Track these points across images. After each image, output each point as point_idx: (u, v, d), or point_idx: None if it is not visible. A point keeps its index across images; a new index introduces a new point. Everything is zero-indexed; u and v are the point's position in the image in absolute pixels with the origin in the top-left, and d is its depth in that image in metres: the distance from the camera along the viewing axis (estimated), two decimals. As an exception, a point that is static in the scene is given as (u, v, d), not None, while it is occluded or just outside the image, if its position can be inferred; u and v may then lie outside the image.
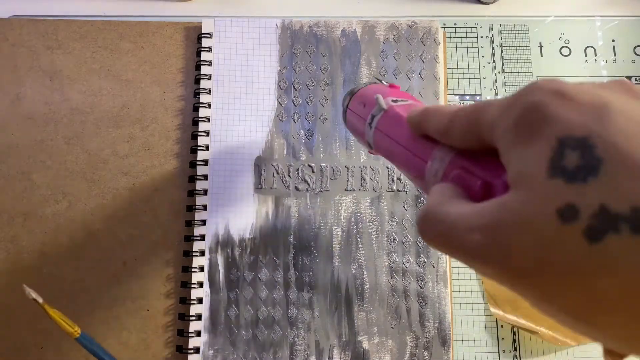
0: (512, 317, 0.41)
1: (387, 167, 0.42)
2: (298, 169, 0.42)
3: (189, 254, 0.41)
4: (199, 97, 0.43)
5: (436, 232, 0.17)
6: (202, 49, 0.44)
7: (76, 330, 0.30)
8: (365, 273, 0.41)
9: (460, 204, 0.17)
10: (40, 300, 0.29)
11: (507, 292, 0.41)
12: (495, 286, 0.42)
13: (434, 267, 0.41)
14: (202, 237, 0.41)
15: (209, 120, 0.43)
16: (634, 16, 0.48)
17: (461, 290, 0.42)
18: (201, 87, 0.43)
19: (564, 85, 0.15)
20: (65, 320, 0.30)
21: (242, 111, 0.43)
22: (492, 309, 0.41)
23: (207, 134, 0.42)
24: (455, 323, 0.41)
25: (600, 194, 0.12)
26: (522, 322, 0.41)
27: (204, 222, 0.41)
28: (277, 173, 0.42)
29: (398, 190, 0.42)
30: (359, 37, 0.44)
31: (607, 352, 0.15)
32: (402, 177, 0.42)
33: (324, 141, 0.43)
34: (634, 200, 0.12)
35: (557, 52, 0.47)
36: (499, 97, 0.46)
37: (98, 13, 0.47)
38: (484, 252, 0.15)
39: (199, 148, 0.42)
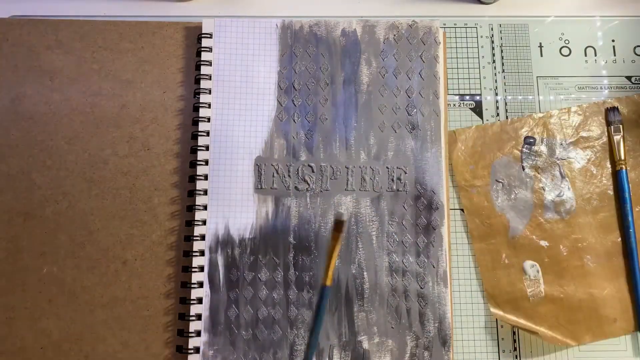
0: (512, 317, 0.41)
1: (387, 167, 0.42)
2: (298, 169, 0.42)
3: (189, 254, 0.41)
4: (199, 97, 0.43)
5: None
6: (202, 49, 0.44)
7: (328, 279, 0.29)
8: (365, 273, 0.41)
9: None
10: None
11: (507, 292, 0.41)
12: (495, 286, 0.42)
13: (434, 267, 0.41)
14: (202, 237, 0.41)
15: (209, 120, 0.43)
16: (634, 16, 0.48)
17: (461, 290, 0.42)
18: (201, 87, 0.43)
19: None
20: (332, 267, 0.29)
21: (242, 111, 0.43)
22: (492, 309, 0.41)
23: (207, 134, 0.42)
24: (455, 323, 0.41)
25: None
26: (522, 322, 0.41)
27: (204, 222, 0.41)
28: (277, 173, 0.42)
29: (398, 190, 0.42)
30: (359, 36, 0.44)
31: None
32: (402, 177, 0.42)
33: (324, 141, 0.43)
34: None
35: (557, 52, 0.47)
36: (498, 97, 0.46)
37: (98, 13, 0.47)
38: None
39: (199, 148, 0.42)
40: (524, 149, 0.44)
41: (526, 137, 0.44)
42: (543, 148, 0.44)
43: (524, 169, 0.44)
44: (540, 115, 0.45)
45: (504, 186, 0.43)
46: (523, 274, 0.42)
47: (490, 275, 0.42)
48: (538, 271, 0.42)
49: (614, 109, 0.44)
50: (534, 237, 0.42)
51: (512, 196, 0.43)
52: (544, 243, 0.42)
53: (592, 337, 0.41)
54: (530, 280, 0.42)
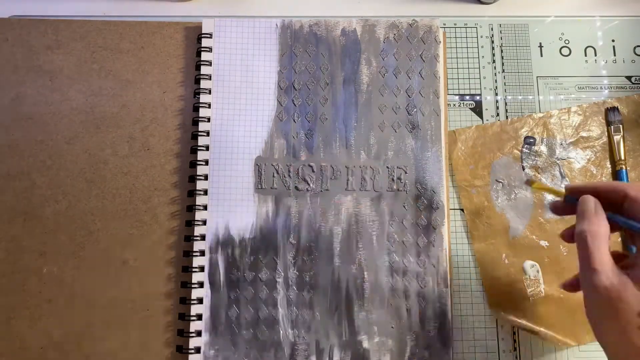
0: (512, 317, 0.41)
1: (387, 167, 0.42)
2: (298, 169, 0.42)
3: (189, 254, 0.41)
4: (199, 97, 0.43)
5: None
6: (202, 49, 0.44)
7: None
8: (365, 273, 0.41)
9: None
10: None
11: (507, 292, 0.41)
12: (495, 286, 0.42)
13: (434, 267, 0.41)
14: (202, 237, 0.41)
15: (209, 120, 0.43)
16: (634, 16, 0.48)
17: (461, 290, 0.42)
18: (201, 87, 0.43)
19: None
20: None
21: (242, 111, 0.43)
22: (492, 309, 0.41)
23: (207, 134, 0.42)
24: (455, 323, 0.41)
25: None
26: (522, 322, 0.41)
27: (204, 222, 0.41)
28: (277, 173, 0.42)
29: (398, 190, 0.42)
30: (359, 36, 0.44)
31: None
32: (402, 177, 0.42)
33: (324, 141, 0.43)
34: None
35: (557, 52, 0.47)
36: (498, 97, 0.46)
37: (98, 13, 0.47)
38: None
39: (199, 148, 0.42)
40: (524, 149, 0.44)
41: (526, 137, 0.44)
42: (543, 148, 0.44)
43: (524, 169, 0.44)
44: (540, 115, 0.45)
45: (504, 186, 0.43)
46: (523, 274, 0.42)
47: (490, 275, 0.42)
48: (538, 271, 0.42)
49: (614, 109, 0.44)
50: (534, 237, 0.42)
51: (512, 196, 0.43)
52: (544, 243, 0.42)
53: (592, 337, 0.41)
54: (530, 280, 0.42)
